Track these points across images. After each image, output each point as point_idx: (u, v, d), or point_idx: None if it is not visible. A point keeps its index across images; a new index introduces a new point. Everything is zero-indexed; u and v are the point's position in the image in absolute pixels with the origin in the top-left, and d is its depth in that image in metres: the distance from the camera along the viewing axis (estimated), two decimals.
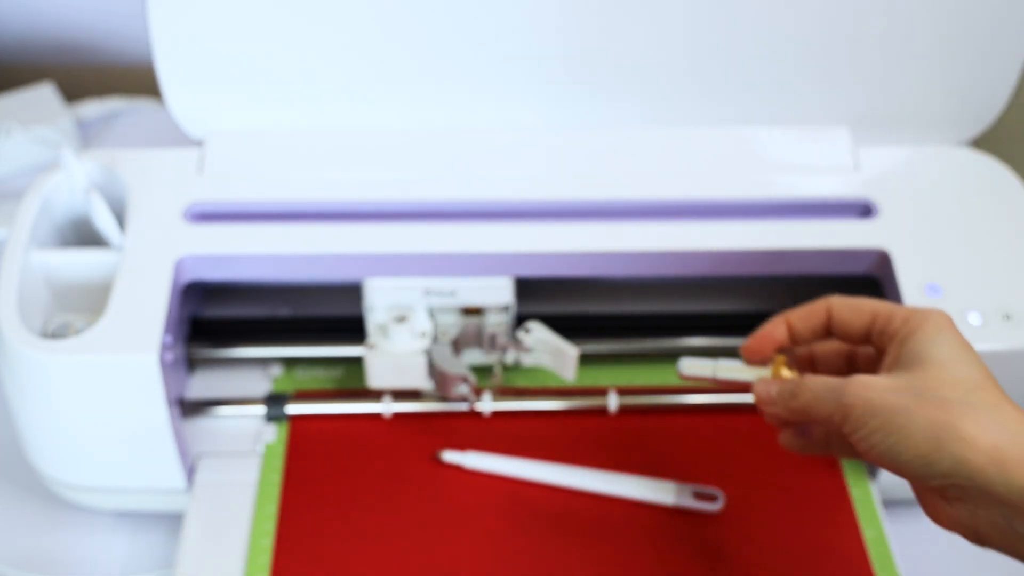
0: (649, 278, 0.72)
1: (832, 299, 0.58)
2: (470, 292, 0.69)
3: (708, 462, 0.71)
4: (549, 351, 0.71)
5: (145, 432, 0.66)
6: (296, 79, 0.73)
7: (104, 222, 0.68)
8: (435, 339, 0.72)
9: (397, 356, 0.70)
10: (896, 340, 0.55)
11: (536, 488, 0.70)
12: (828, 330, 0.58)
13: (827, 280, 0.72)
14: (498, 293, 0.70)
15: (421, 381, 0.71)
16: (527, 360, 0.72)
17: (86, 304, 0.70)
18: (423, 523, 0.68)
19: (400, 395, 0.73)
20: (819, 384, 0.54)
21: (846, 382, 0.53)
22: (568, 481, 0.70)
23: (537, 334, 0.71)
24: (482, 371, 0.74)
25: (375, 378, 0.71)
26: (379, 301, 0.70)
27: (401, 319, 0.70)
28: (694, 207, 0.70)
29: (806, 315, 0.59)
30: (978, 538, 0.52)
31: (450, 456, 0.71)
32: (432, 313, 0.71)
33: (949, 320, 0.55)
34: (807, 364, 0.61)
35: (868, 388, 0.52)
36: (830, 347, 0.60)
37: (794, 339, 0.59)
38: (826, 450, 0.60)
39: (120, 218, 0.69)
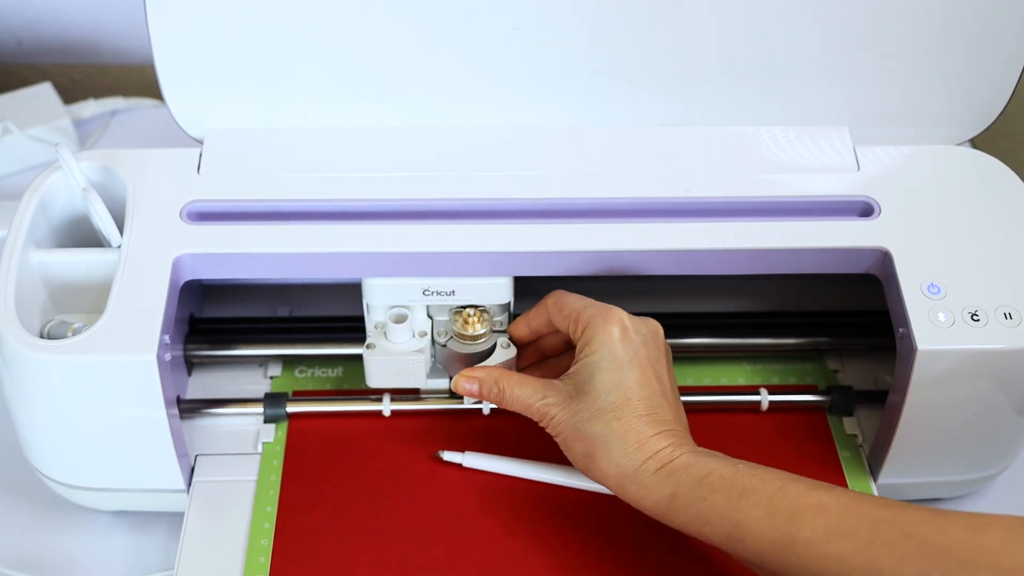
0: (649, 278, 0.71)
1: (549, 299, 0.68)
2: (469, 291, 0.69)
3: None
4: None
5: (144, 432, 0.66)
6: (295, 78, 0.73)
7: (102, 222, 0.68)
8: (433, 339, 0.71)
9: (396, 356, 0.70)
10: (578, 347, 0.65)
11: (535, 488, 0.70)
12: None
13: (828, 279, 0.72)
14: (497, 292, 0.70)
15: (420, 381, 0.71)
16: None
17: (84, 304, 0.69)
18: (422, 522, 0.68)
19: (399, 394, 0.73)
20: (519, 400, 0.66)
21: (540, 408, 0.65)
22: (568, 481, 0.70)
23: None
24: None
25: (374, 378, 0.71)
26: (377, 300, 0.70)
27: (400, 319, 0.70)
28: (695, 207, 0.70)
29: (535, 314, 0.70)
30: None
31: (450, 456, 0.70)
32: (429, 312, 0.71)
33: (617, 328, 0.64)
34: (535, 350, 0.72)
35: (552, 419, 0.65)
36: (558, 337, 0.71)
37: (535, 334, 0.71)
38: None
39: (118, 218, 0.69)
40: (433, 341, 0.72)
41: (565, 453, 0.65)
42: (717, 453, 0.62)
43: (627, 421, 0.62)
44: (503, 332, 0.72)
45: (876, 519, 0.56)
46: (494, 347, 0.71)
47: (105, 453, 0.67)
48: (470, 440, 0.72)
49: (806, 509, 0.57)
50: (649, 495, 0.61)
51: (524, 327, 0.71)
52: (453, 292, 0.69)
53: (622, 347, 0.64)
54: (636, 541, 0.68)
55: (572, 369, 0.65)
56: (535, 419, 0.66)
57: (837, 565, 0.55)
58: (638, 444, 0.62)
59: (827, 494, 0.58)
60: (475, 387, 0.68)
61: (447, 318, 0.71)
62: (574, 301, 0.67)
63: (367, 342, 0.70)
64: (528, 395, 0.66)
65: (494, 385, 0.67)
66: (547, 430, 0.66)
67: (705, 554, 0.67)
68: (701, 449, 0.63)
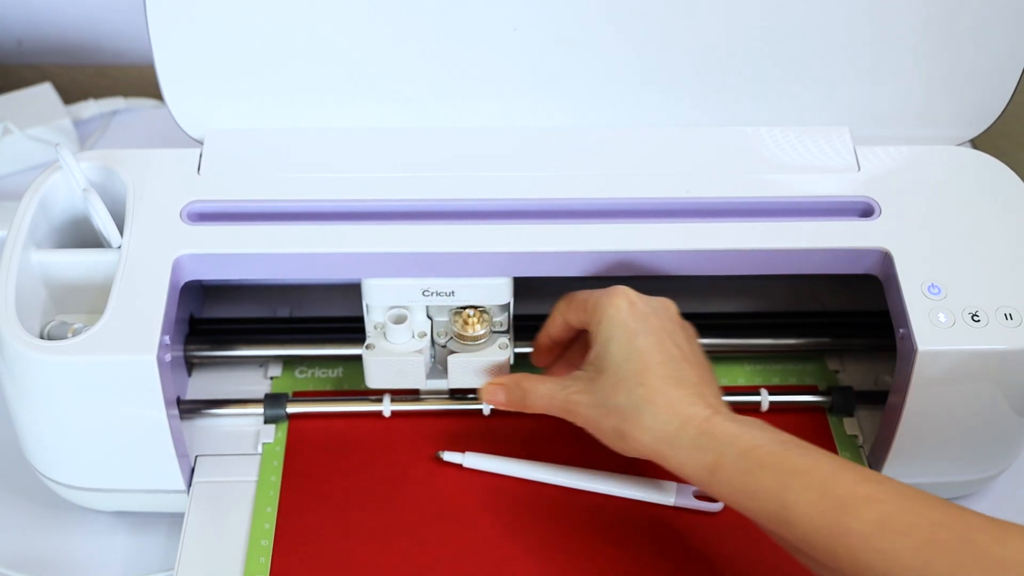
0: (649, 278, 0.71)
1: (560, 303, 0.68)
2: (469, 292, 0.69)
3: None
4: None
5: (144, 433, 0.66)
6: (295, 78, 0.73)
7: (102, 222, 0.68)
8: (432, 340, 0.71)
9: (395, 356, 0.70)
10: (591, 331, 0.65)
11: (535, 488, 0.70)
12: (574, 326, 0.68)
13: (828, 280, 0.72)
14: (497, 293, 0.70)
15: (420, 381, 0.71)
16: None
17: (84, 304, 0.69)
18: (422, 523, 0.68)
19: (399, 395, 0.73)
20: (543, 397, 0.66)
21: (563, 398, 0.65)
22: (568, 481, 0.70)
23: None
24: None
25: (373, 379, 0.71)
26: (377, 301, 0.70)
27: (399, 319, 0.70)
28: (695, 207, 0.70)
29: (550, 321, 0.69)
30: None
31: (450, 456, 0.70)
32: (429, 313, 0.71)
33: (624, 301, 0.64)
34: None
35: (577, 405, 0.64)
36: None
37: (557, 342, 0.70)
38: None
39: (118, 218, 0.69)
40: (433, 342, 0.71)
41: (598, 437, 0.64)
42: (757, 421, 0.61)
43: (652, 385, 0.61)
44: (503, 333, 0.71)
45: (934, 521, 0.54)
46: (494, 348, 0.71)
47: (105, 454, 0.67)
48: (470, 440, 0.72)
49: (859, 499, 0.55)
50: (689, 462, 0.60)
51: (545, 339, 0.70)
52: (453, 293, 0.69)
53: (631, 317, 0.63)
54: (636, 542, 0.67)
55: (589, 356, 0.65)
56: (561, 414, 0.65)
57: (886, 562, 0.53)
58: (668, 407, 0.61)
59: (880, 487, 0.56)
60: (501, 395, 0.68)
61: (447, 319, 0.71)
62: (582, 293, 0.67)
63: (367, 343, 0.70)
64: (550, 389, 0.65)
65: (516, 388, 0.67)
66: (575, 421, 0.65)
67: (706, 554, 0.67)
68: (740, 417, 0.61)
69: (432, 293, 0.69)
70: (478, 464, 0.70)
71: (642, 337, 0.63)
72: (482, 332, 0.70)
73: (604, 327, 0.64)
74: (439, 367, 0.73)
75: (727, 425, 0.60)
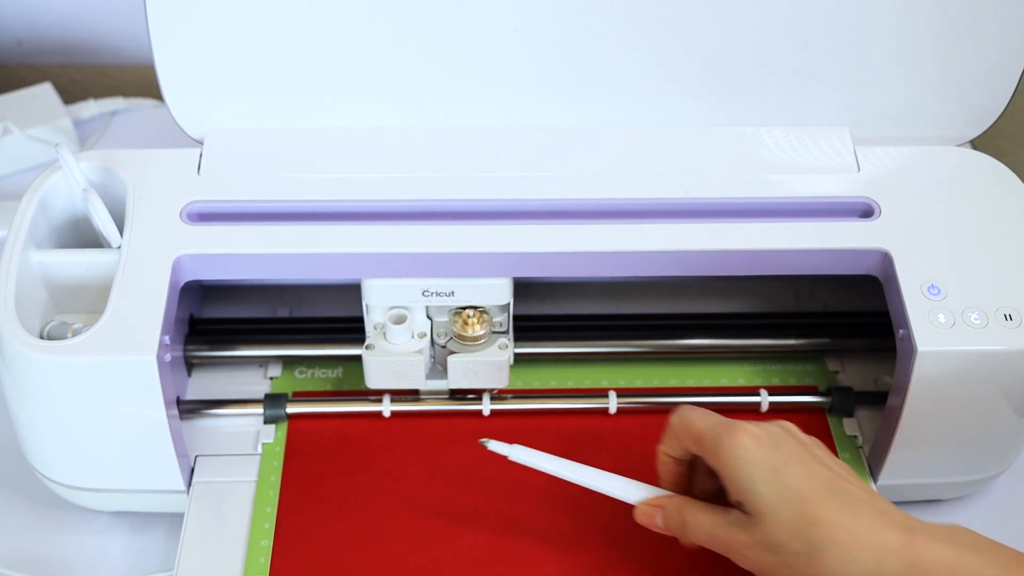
0: (650, 278, 0.71)
1: (673, 420, 0.61)
2: (469, 292, 0.69)
3: None
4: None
5: (144, 433, 0.66)
6: (295, 79, 0.73)
7: (102, 222, 0.68)
8: (432, 340, 0.71)
9: (395, 357, 0.70)
10: (720, 475, 0.58)
11: (536, 489, 0.70)
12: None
13: (828, 280, 0.72)
14: (497, 293, 0.70)
15: (419, 382, 0.71)
16: None
17: (84, 304, 0.69)
18: (422, 523, 0.68)
19: (398, 395, 0.73)
20: (705, 532, 0.59)
21: (725, 535, 0.58)
22: (608, 485, 0.65)
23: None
24: None
25: (373, 379, 0.71)
26: (377, 301, 0.70)
27: (399, 320, 0.70)
28: (695, 207, 0.70)
29: (667, 443, 0.62)
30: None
31: (496, 446, 0.66)
32: (429, 313, 0.71)
33: (748, 438, 0.57)
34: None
35: (743, 548, 0.57)
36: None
37: (680, 461, 0.62)
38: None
39: (118, 218, 0.69)
40: (432, 342, 0.71)
41: None
42: (960, 533, 0.54)
43: (826, 521, 0.54)
44: (503, 333, 0.72)
45: None
46: (493, 348, 0.71)
47: (105, 454, 0.67)
48: (470, 441, 0.72)
49: None
50: None
51: (668, 462, 0.63)
52: (452, 293, 0.69)
53: (763, 453, 0.57)
54: (637, 543, 0.67)
55: (730, 496, 0.58)
56: (724, 554, 0.59)
57: None
58: (855, 542, 0.53)
59: None
60: (659, 520, 0.62)
61: (447, 319, 0.71)
62: (697, 420, 0.60)
63: (366, 343, 0.70)
64: (712, 523, 0.59)
65: (677, 515, 0.61)
66: (741, 564, 0.58)
67: (705, 554, 0.67)
68: (940, 529, 0.54)
69: (432, 293, 0.69)
70: (524, 458, 0.65)
71: (787, 470, 0.56)
72: (482, 332, 0.70)
73: (738, 471, 0.57)
74: (439, 367, 0.73)
75: (935, 550, 0.53)
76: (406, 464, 0.71)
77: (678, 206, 0.70)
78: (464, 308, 0.70)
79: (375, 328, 0.71)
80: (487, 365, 0.71)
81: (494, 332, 0.72)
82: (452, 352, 0.71)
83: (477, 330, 0.70)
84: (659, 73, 0.73)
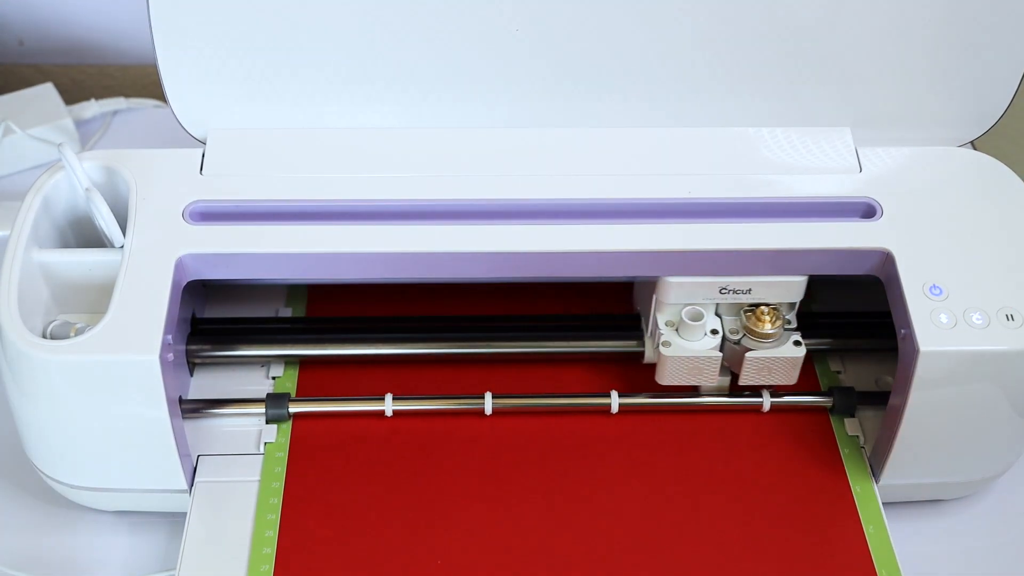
0: (649, 278, 0.72)
1: None
2: (765, 290, 0.70)
3: (711, 461, 0.71)
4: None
5: (146, 432, 0.66)
6: (298, 78, 0.73)
7: (105, 222, 0.68)
8: (725, 337, 0.72)
9: (694, 354, 0.70)
10: None
11: (537, 489, 0.70)
12: None
13: (829, 280, 0.72)
14: (793, 290, 0.70)
15: (712, 379, 0.72)
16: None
17: (87, 304, 0.70)
18: (426, 523, 0.68)
19: (400, 395, 0.73)
20: None
21: None
22: None
23: None
24: None
25: (666, 376, 0.72)
26: (675, 298, 0.70)
27: (696, 317, 0.71)
28: (696, 208, 0.70)
29: None
30: None
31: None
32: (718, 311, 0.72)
33: None
34: None
35: None
36: None
37: None
38: None
39: (121, 218, 0.69)
40: (724, 339, 0.72)
41: None
42: None
43: None
44: (795, 330, 0.71)
45: None
46: (789, 344, 0.71)
47: (107, 453, 0.68)
48: (471, 440, 0.72)
49: None
50: None
51: None
52: (750, 290, 0.70)
53: None
54: (640, 544, 0.68)
55: None
56: None
57: None
58: None
59: None
60: None
61: (735, 316, 0.71)
62: None
63: (663, 339, 0.71)
64: None
65: None
66: None
67: (706, 554, 0.67)
68: None
69: (729, 291, 0.70)
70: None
71: None
72: (775, 330, 0.70)
73: None
74: (724, 364, 0.73)
75: None
76: (409, 464, 0.71)
77: (680, 206, 0.70)
78: (757, 305, 0.71)
79: (667, 325, 0.71)
80: (783, 361, 0.71)
81: (786, 329, 0.72)
82: (748, 349, 0.71)
83: (771, 327, 0.70)
84: (661, 74, 0.73)
